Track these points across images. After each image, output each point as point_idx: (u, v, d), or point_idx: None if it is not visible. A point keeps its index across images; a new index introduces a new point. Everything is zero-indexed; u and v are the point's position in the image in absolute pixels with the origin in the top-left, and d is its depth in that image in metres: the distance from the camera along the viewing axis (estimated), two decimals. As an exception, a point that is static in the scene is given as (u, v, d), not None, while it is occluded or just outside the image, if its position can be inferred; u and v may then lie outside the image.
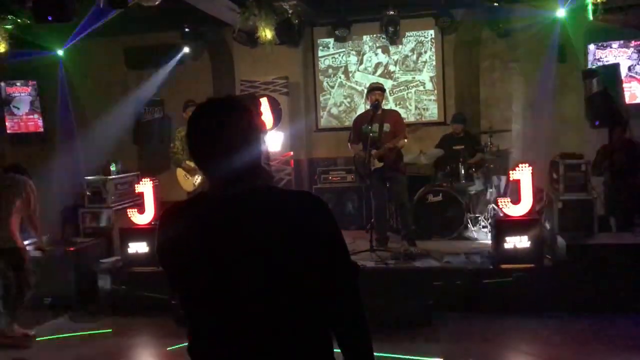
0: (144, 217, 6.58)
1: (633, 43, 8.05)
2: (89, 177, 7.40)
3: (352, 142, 6.70)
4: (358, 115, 6.92)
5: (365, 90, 7.13)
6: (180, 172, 7.08)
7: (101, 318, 6.11)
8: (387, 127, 6.47)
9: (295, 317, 1.65)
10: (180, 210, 1.76)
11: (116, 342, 5.56)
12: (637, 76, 8.03)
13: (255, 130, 1.70)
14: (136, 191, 6.74)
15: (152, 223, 6.58)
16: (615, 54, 8.06)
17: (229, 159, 1.64)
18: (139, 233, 6.53)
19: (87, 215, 7.25)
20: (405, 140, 6.52)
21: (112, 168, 7.49)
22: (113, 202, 7.26)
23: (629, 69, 8.03)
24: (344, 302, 1.71)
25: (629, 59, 8.02)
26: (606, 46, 8.09)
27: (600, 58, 8.09)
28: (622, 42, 8.05)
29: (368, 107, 6.61)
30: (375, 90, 6.56)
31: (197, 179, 6.91)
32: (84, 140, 9.12)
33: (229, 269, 1.63)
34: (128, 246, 6.52)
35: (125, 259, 6.55)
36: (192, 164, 6.84)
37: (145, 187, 6.62)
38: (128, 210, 6.71)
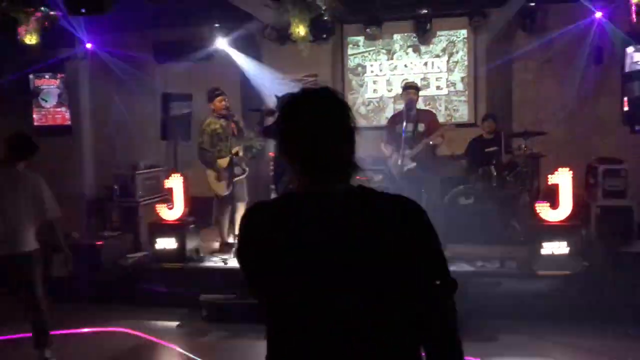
0: (173, 213, 6.53)
1: (672, 46, 7.83)
2: (117, 171, 7.37)
3: (386, 142, 6.59)
4: (392, 115, 6.82)
5: (400, 89, 7.02)
6: (211, 174, 6.70)
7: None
8: (421, 127, 6.36)
9: (390, 334, 1.54)
10: (269, 208, 1.65)
11: (142, 339, 5.50)
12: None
13: (353, 126, 1.61)
14: (165, 186, 6.68)
15: (182, 219, 6.53)
16: (654, 57, 7.85)
17: (331, 155, 1.55)
18: (167, 228, 6.49)
19: (114, 209, 7.22)
20: (442, 139, 6.39)
21: (140, 163, 7.47)
22: (141, 196, 7.22)
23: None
24: (441, 320, 1.59)
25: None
26: (645, 49, 7.89)
27: (639, 61, 7.89)
28: (661, 45, 7.84)
29: (399, 107, 6.50)
30: (410, 89, 6.45)
31: (225, 183, 6.63)
32: (110, 134, 9.13)
33: (324, 275, 1.52)
34: (156, 242, 6.48)
35: (154, 255, 6.50)
36: (224, 164, 6.66)
37: (175, 182, 6.57)
38: (156, 205, 6.67)
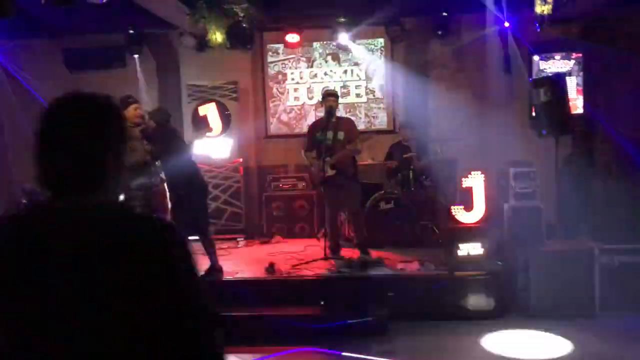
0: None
1: (574, 55, 8.32)
2: (25, 185, 6.97)
3: (306, 149, 6.60)
4: (313, 122, 6.84)
5: (320, 97, 7.06)
6: None
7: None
8: (341, 134, 6.41)
9: None
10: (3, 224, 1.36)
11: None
12: (578, 87, 8.29)
13: (120, 134, 1.43)
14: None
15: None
16: (558, 66, 8.31)
17: (73, 165, 1.34)
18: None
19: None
20: (359, 148, 6.48)
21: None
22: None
23: (570, 80, 8.29)
24: None
25: (570, 70, 8.28)
26: (549, 58, 8.34)
27: (544, 69, 8.33)
28: (564, 54, 8.31)
29: (320, 114, 6.54)
30: (330, 97, 6.49)
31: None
32: (18, 146, 8.64)
33: (35, 319, 1.24)
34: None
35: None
36: None
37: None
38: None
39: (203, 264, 6.21)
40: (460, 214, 5.89)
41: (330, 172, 6.35)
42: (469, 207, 5.89)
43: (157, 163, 6.05)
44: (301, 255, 6.85)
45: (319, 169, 6.32)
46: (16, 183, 7.34)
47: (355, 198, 6.57)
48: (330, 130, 6.36)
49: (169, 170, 5.94)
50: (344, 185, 6.47)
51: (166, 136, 5.87)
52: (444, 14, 8.15)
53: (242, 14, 6.89)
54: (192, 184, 5.89)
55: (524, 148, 8.40)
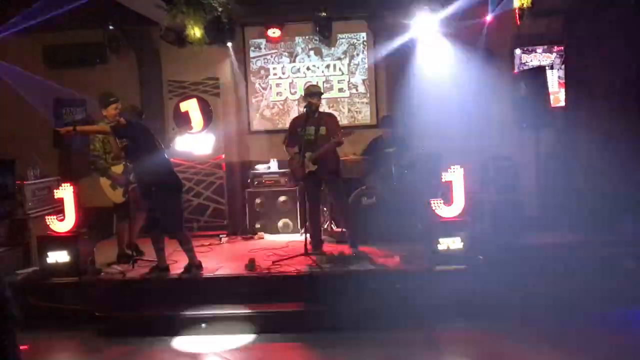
0: (64, 225, 6.20)
1: (556, 48, 8.33)
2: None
3: (288, 144, 6.58)
4: (294, 118, 6.83)
5: (302, 93, 7.03)
6: (105, 183, 6.55)
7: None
8: (322, 130, 6.43)
9: None
10: None
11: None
12: (559, 80, 8.30)
13: None
14: (56, 197, 6.33)
15: (74, 231, 6.21)
16: (540, 59, 8.32)
17: None
18: (59, 241, 6.15)
19: (1, 224, 6.74)
20: (341, 143, 6.47)
21: (30, 173, 7.02)
22: (31, 208, 6.79)
23: (552, 73, 8.30)
24: None
25: (552, 63, 8.28)
26: (531, 51, 8.34)
27: (526, 62, 8.33)
28: (545, 47, 8.32)
29: (302, 109, 6.52)
30: (314, 94, 6.48)
31: (122, 190, 6.46)
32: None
33: None
34: (47, 255, 6.12)
35: (44, 270, 6.13)
36: (119, 170, 6.48)
37: (66, 193, 6.23)
38: (47, 217, 6.30)
39: (181, 261, 6.21)
40: (440, 208, 5.88)
41: (312, 167, 6.36)
42: (448, 201, 5.88)
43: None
44: (283, 251, 6.83)
45: (300, 164, 6.30)
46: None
47: (339, 192, 6.58)
48: (312, 126, 6.37)
49: (139, 167, 5.90)
50: (328, 180, 6.47)
51: (136, 133, 5.81)
52: (426, 7, 8.09)
53: (220, 9, 6.81)
54: (161, 182, 5.81)
55: (506, 142, 8.43)
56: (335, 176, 6.59)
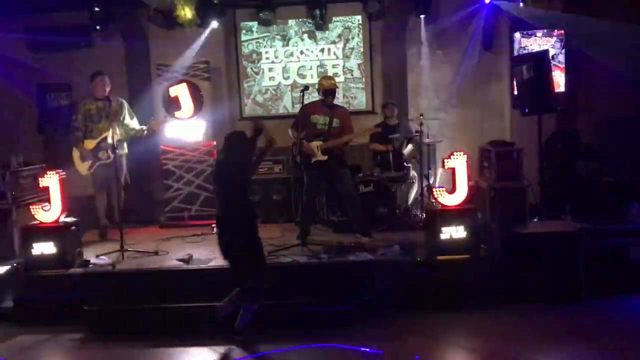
0: (50, 214, 5.93)
1: (556, 32, 8.12)
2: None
3: (295, 128, 6.37)
4: (309, 104, 6.63)
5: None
6: (75, 153, 6.82)
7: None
8: (336, 122, 6.41)
9: None
10: None
11: (23, 356, 4.95)
12: (559, 65, 8.11)
13: None
14: (41, 185, 6.05)
15: (60, 220, 5.94)
16: (540, 43, 8.12)
17: None
18: (44, 232, 5.88)
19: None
20: (351, 137, 6.50)
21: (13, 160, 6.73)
22: (14, 197, 6.50)
23: (552, 57, 8.08)
24: None
25: (552, 47, 8.08)
26: (531, 35, 8.13)
27: (526, 46, 8.13)
28: (545, 31, 8.12)
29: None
30: (331, 87, 6.44)
31: (89, 163, 6.74)
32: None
33: None
34: (32, 247, 5.85)
35: (29, 262, 5.87)
36: (90, 146, 6.72)
37: (51, 181, 5.96)
38: (31, 206, 6.02)
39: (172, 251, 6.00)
40: (442, 196, 5.68)
41: (321, 157, 6.34)
42: (450, 189, 5.68)
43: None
44: (280, 240, 6.59)
45: (311, 149, 6.31)
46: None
47: (349, 182, 6.53)
48: (326, 116, 6.41)
49: None
50: (337, 171, 6.44)
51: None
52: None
53: (211, -11, 6.55)
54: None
55: (507, 127, 8.28)
56: (344, 166, 6.55)
